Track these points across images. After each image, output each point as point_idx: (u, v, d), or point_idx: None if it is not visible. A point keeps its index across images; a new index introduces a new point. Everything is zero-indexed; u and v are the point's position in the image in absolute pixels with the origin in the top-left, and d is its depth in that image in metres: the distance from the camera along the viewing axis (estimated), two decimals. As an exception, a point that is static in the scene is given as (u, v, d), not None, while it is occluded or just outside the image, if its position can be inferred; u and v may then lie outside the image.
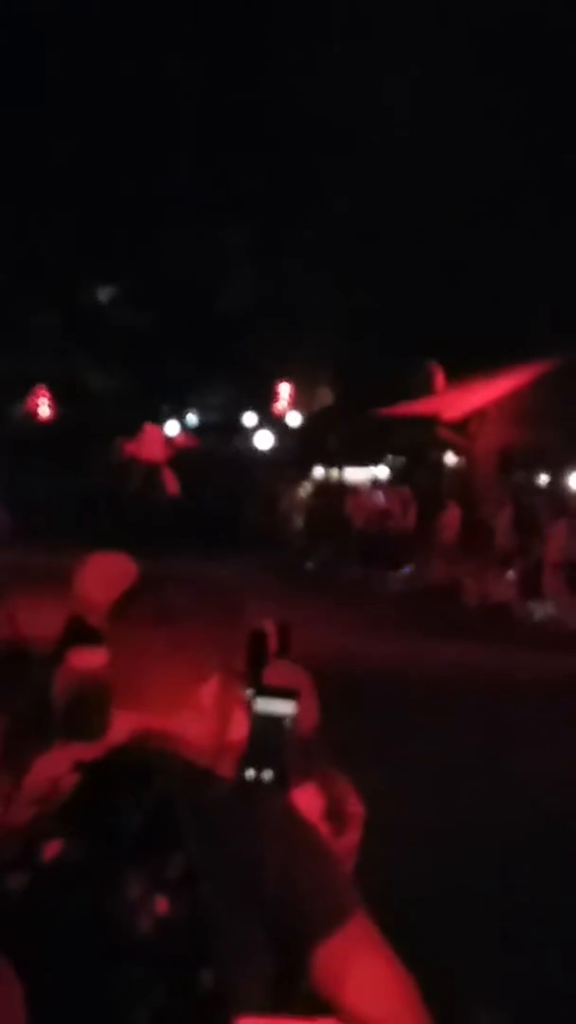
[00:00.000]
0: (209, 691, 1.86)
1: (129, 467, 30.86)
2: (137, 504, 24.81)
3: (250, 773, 1.88)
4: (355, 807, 2.96)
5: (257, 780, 1.88)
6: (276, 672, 2.78)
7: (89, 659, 2.86)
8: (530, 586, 19.59)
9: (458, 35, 29.49)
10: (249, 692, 1.91)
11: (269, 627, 2.97)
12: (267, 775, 1.88)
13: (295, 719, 1.93)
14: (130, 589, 1.95)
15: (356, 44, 30.24)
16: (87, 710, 2.26)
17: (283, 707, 1.93)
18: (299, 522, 26.93)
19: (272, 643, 2.96)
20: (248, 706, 1.89)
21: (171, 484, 27.14)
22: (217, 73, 31.64)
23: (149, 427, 28.16)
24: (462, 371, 25.05)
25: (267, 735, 1.90)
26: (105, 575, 3.73)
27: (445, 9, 29.34)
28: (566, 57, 28.58)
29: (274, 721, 1.92)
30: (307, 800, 1.95)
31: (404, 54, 29.64)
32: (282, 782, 1.88)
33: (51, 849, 1.72)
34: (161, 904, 1.66)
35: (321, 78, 30.33)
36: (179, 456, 29.89)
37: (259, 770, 1.88)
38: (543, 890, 6.65)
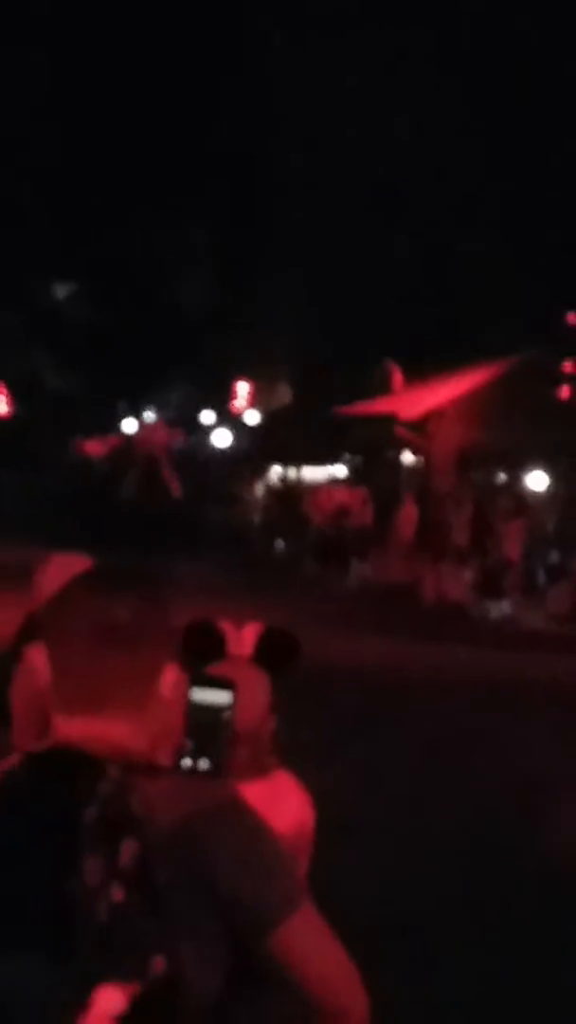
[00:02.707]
0: (152, 688, 1.89)
1: (89, 465, 30.73)
2: (138, 506, 23.47)
3: (186, 763, 1.91)
4: (305, 807, 3.00)
5: (193, 770, 1.91)
6: (223, 666, 2.80)
7: (41, 657, 2.88)
8: (487, 585, 19.69)
9: (421, 42, 29.59)
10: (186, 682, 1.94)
11: (227, 625, 2.99)
12: (203, 764, 1.91)
13: (232, 709, 1.95)
14: (66, 587, 1.95)
15: (319, 46, 30.26)
16: (39, 709, 2.28)
17: (219, 697, 1.96)
18: (257, 520, 26.96)
19: (236, 641, 2.97)
20: (179, 696, 1.93)
21: (174, 484, 25.84)
22: (179, 73, 31.60)
23: (154, 422, 26.51)
24: (420, 370, 25.13)
25: (203, 725, 1.93)
26: (64, 574, 3.75)
27: (409, 16, 29.44)
28: (529, 66, 28.74)
29: (210, 711, 1.95)
30: (257, 796, 1.98)
31: (367, 56, 29.70)
32: (218, 772, 1.92)
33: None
34: (117, 892, 1.69)
35: (282, 77, 30.37)
36: (135, 453, 29.82)
37: (195, 760, 1.91)
38: (498, 889, 6.71)
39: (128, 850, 1.71)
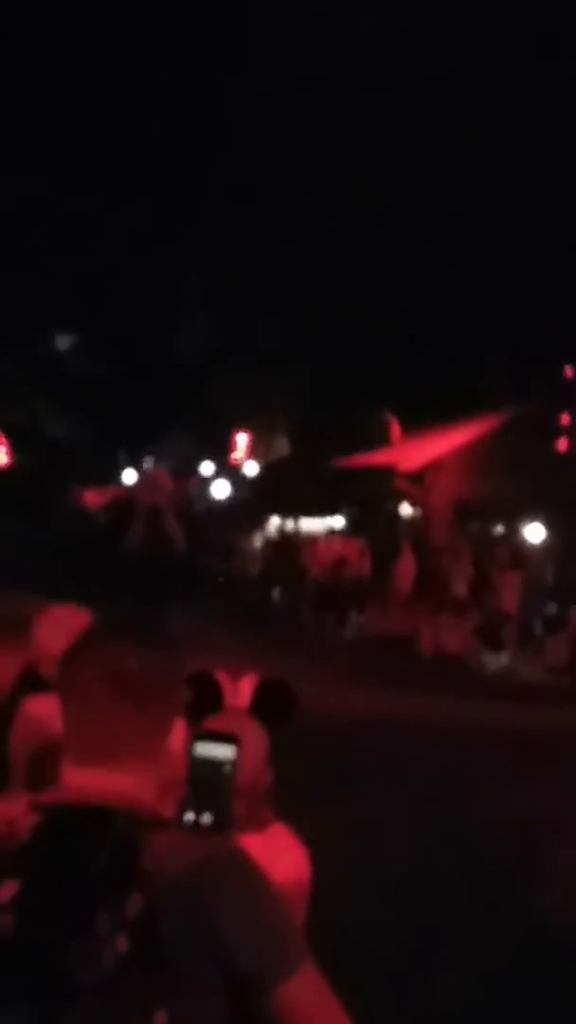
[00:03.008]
0: (157, 741, 1.90)
1: (88, 515, 30.71)
2: (141, 558, 22.70)
3: (189, 816, 1.91)
4: (302, 861, 3.00)
5: (196, 824, 1.91)
6: (222, 718, 2.81)
7: (42, 708, 2.89)
8: (485, 637, 19.66)
9: (414, 87, 29.83)
10: (190, 736, 1.95)
11: (223, 676, 3.00)
12: (206, 819, 1.92)
13: (235, 764, 1.96)
14: (80, 640, 1.98)
15: (313, 94, 30.52)
16: (41, 759, 2.29)
17: (222, 751, 1.97)
18: (255, 571, 26.94)
19: (233, 693, 2.98)
20: (188, 750, 1.94)
21: (177, 536, 25.01)
22: (174, 118, 31.86)
23: (155, 470, 25.72)
24: (418, 423, 25.22)
25: (206, 779, 1.94)
26: (62, 626, 3.75)
27: (403, 58, 29.68)
28: (526, 112, 28.96)
29: (213, 765, 1.96)
30: (255, 850, 1.98)
31: (361, 105, 29.92)
32: (221, 826, 1.92)
33: (8, 889, 1.75)
34: (122, 943, 1.70)
35: (278, 129, 30.60)
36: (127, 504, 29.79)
37: (198, 814, 1.92)
38: (498, 942, 6.66)
39: (134, 902, 1.72)
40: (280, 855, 2.81)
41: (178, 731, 1.92)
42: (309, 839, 3.06)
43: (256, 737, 2.88)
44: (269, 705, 2.96)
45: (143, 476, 24.82)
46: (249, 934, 1.78)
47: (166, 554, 22.56)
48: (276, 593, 25.17)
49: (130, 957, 1.70)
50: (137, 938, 1.71)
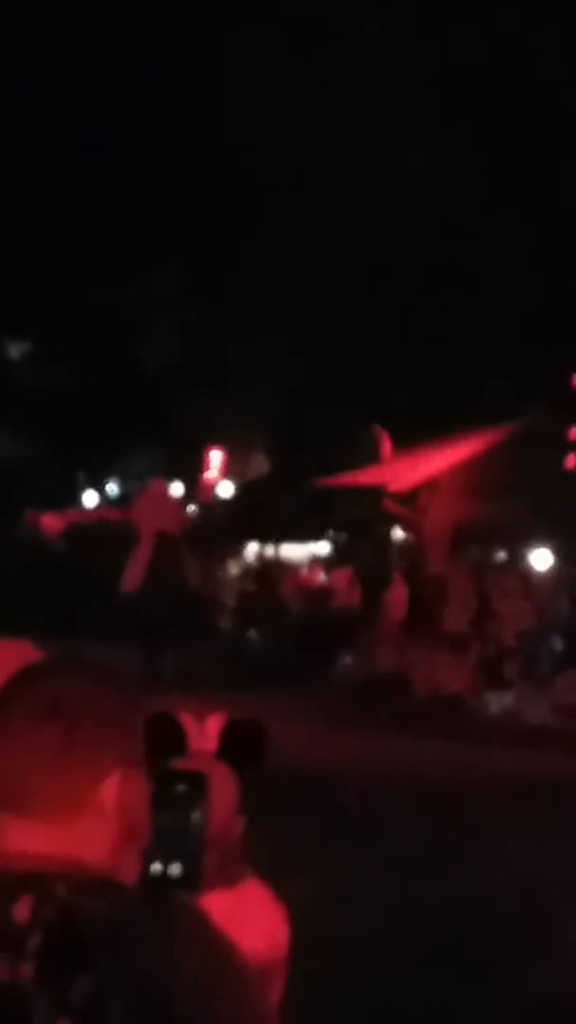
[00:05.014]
0: (110, 788, 1.85)
1: (44, 542, 30.63)
2: (145, 597, 20.98)
3: (156, 868, 1.88)
4: (278, 923, 2.96)
5: (163, 876, 1.87)
6: (186, 763, 2.77)
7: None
8: (486, 675, 19.65)
9: (408, 81, 30.04)
10: (151, 780, 1.91)
11: (187, 716, 2.97)
12: (174, 870, 1.88)
13: (205, 808, 1.93)
14: (13, 679, 1.94)
15: (295, 84, 30.69)
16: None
17: (189, 794, 1.94)
18: (230, 603, 26.90)
19: (198, 734, 2.94)
20: (151, 796, 1.90)
21: (190, 567, 23.31)
22: (142, 115, 32.00)
23: (156, 484, 23.37)
24: (410, 438, 25.24)
25: (172, 826, 1.90)
26: (3, 663, 3.71)
27: (393, 52, 29.93)
28: (528, 113, 29.27)
29: (180, 809, 1.92)
30: (222, 909, 1.94)
31: (349, 97, 30.13)
32: (191, 878, 1.88)
33: None
34: None
35: (258, 119, 30.76)
36: (97, 530, 29.78)
37: (165, 864, 1.88)
38: (495, 1016, 6.62)
39: (79, 985, 1.66)
40: (253, 916, 2.76)
41: (137, 776, 1.87)
42: (287, 899, 3.02)
43: (224, 782, 2.84)
44: (238, 747, 2.92)
45: (145, 494, 23.32)
46: (210, 1012, 1.73)
47: (175, 589, 21.49)
48: (254, 629, 25.12)
49: None
50: (85, 1023, 1.66)
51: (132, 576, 20.47)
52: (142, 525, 19.88)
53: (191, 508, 31.02)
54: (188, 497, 32.52)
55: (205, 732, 2.93)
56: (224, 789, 2.83)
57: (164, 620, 19.90)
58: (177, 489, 33.62)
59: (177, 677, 18.33)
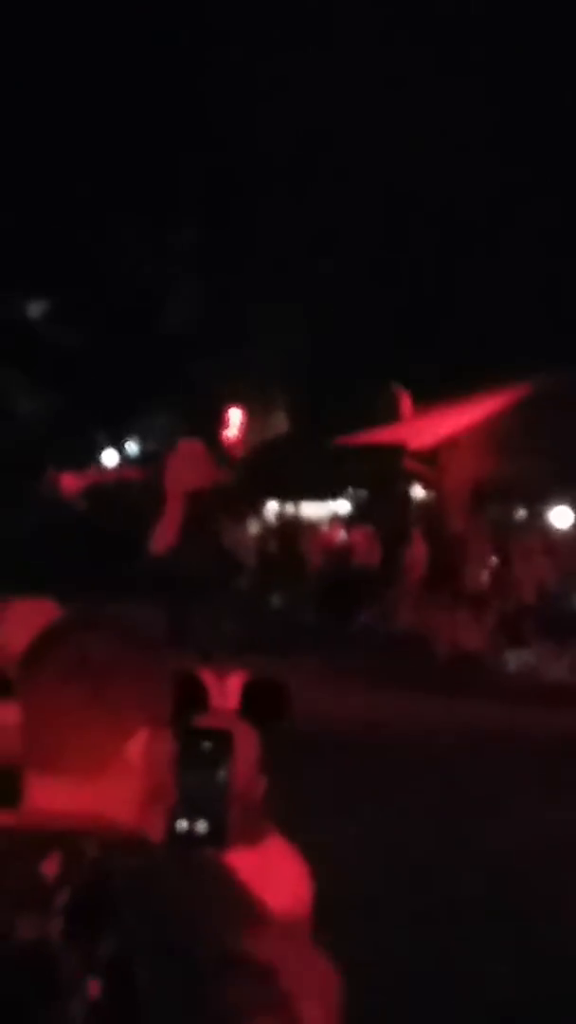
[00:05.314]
0: (137, 746, 1.87)
1: (65, 502, 30.66)
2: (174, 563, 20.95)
3: (182, 825, 1.89)
4: (301, 879, 2.99)
5: (190, 834, 1.89)
6: (208, 721, 2.79)
7: (2, 716, 2.87)
8: (506, 633, 19.67)
9: (425, 52, 29.83)
10: (177, 736, 1.92)
11: (208, 675, 2.99)
12: (200, 827, 1.89)
13: (231, 765, 1.94)
14: (41, 636, 1.95)
15: (314, 47, 30.49)
16: (2, 776, 2.25)
17: (215, 752, 1.95)
18: (250, 563, 26.92)
19: (219, 693, 2.97)
20: (177, 753, 1.91)
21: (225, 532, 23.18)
22: (160, 66, 31.81)
23: (188, 443, 23.17)
24: (430, 395, 25.16)
25: (198, 782, 1.91)
26: (25, 622, 3.73)
27: (409, 26, 29.75)
28: (543, 73, 29.03)
29: (205, 766, 1.93)
30: (245, 866, 1.96)
31: (369, 60, 29.91)
32: (217, 835, 1.90)
33: None
34: (93, 987, 1.66)
35: (277, 79, 30.58)
36: (118, 489, 29.82)
37: (191, 822, 1.89)
38: (509, 977, 6.65)
39: (107, 942, 1.67)
40: (276, 872, 2.80)
41: (163, 734, 1.89)
42: (310, 856, 3.05)
43: (246, 740, 2.87)
44: (259, 706, 2.94)
45: (177, 451, 23.32)
46: (237, 969, 1.74)
47: (210, 549, 21.43)
48: (275, 587, 25.15)
49: (102, 1006, 1.66)
50: (110, 985, 1.68)
51: (163, 538, 20.37)
52: (174, 485, 19.76)
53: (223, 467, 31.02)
54: (215, 456, 32.48)
55: (226, 690, 2.95)
56: (246, 747, 2.86)
57: (197, 581, 19.93)
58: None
59: (206, 637, 18.38)
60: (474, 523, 22.26)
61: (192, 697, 2.91)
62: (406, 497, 24.94)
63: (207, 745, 1.95)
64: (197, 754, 1.94)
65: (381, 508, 25.34)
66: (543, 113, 29.37)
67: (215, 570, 20.89)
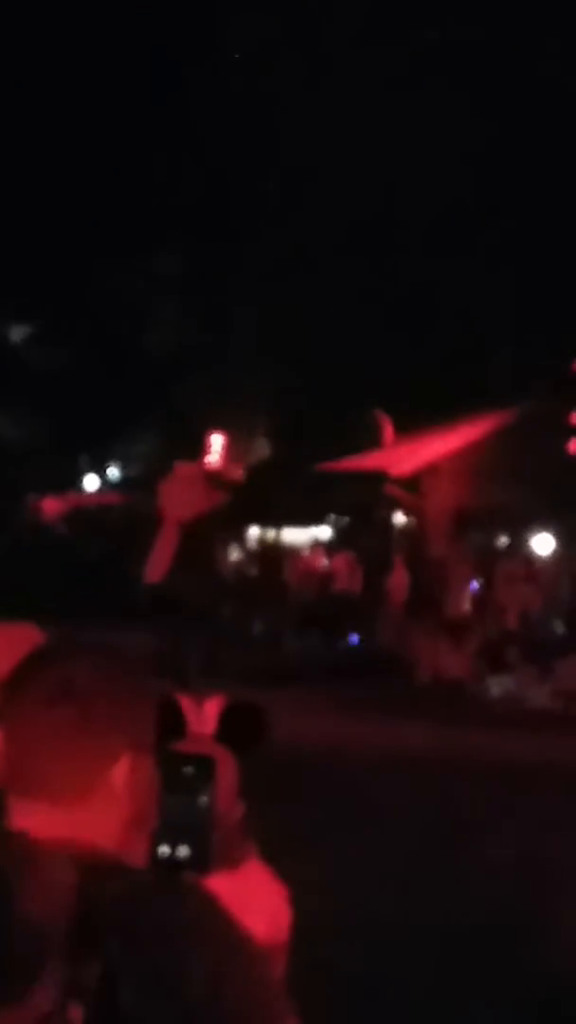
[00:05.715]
0: (120, 772, 1.88)
1: (46, 527, 30.58)
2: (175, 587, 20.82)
3: (164, 850, 1.90)
4: (280, 904, 2.99)
5: (172, 859, 1.90)
6: (186, 746, 2.80)
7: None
8: (487, 659, 19.67)
9: (404, 66, 29.96)
10: (158, 762, 1.93)
11: (186, 700, 3.00)
12: (183, 852, 1.90)
13: (212, 790, 1.95)
14: (25, 661, 1.96)
15: (299, 69, 30.62)
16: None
17: (197, 777, 1.96)
18: (232, 589, 26.91)
19: (197, 718, 2.97)
20: (159, 778, 1.92)
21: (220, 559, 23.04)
22: (144, 91, 31.91)
23: (183, 467, 23.09)
24: (412, 422, 25.22)
25: (180, 808, 1.92)
26: (9, 647, 3.74)
27: (393, 43, 29.90)
28: (526, 88, 29.18)
29: (187, 793, 1.94)
30: (225, 890, 1.97)
31: (349, 82, 30.04)
32: (199, 860, 1.91)
33: None
34: (75, 1013, 1.66)
35: (259, 103, 30.69)
36: (99, 514, 29.80)
37: (173, 847, 1.90)
38: (491, 998, 6.66)
39: (90, 968, 1.67)
40: (256, 897, 2.80)
41: (146, 760, 1.90)
42: (288, 881, 3.06)
43: (223, 765, 2.88)
44: (238, 730, 2.95)
45: (173, 475, 23.26)
46: (223, 996, 1.75)
47: (205, 575, 21.36)
48: (255, 612, 25.14)
49: None
50: (93, 1009, 1.68)
51: (157, 565, 20.34)
52: (170, 510, 19.74)
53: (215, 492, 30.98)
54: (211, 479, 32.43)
55: (204, 715, 2.96)
56: (224, 771, 2.86)
57: (194, 608, 19.92)
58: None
59: (193, 663, 18.35)
60: (455, 549, 22.31)
61: (170, 722, 2.92)
62: (388, 523, 24.99)
63: (189, 770, 1.96)
64: (179, 779, 1.95)
65: (363, 534, 25.38)
66: (528, 140, 29.48)
67: (209, 596, 20.94)
